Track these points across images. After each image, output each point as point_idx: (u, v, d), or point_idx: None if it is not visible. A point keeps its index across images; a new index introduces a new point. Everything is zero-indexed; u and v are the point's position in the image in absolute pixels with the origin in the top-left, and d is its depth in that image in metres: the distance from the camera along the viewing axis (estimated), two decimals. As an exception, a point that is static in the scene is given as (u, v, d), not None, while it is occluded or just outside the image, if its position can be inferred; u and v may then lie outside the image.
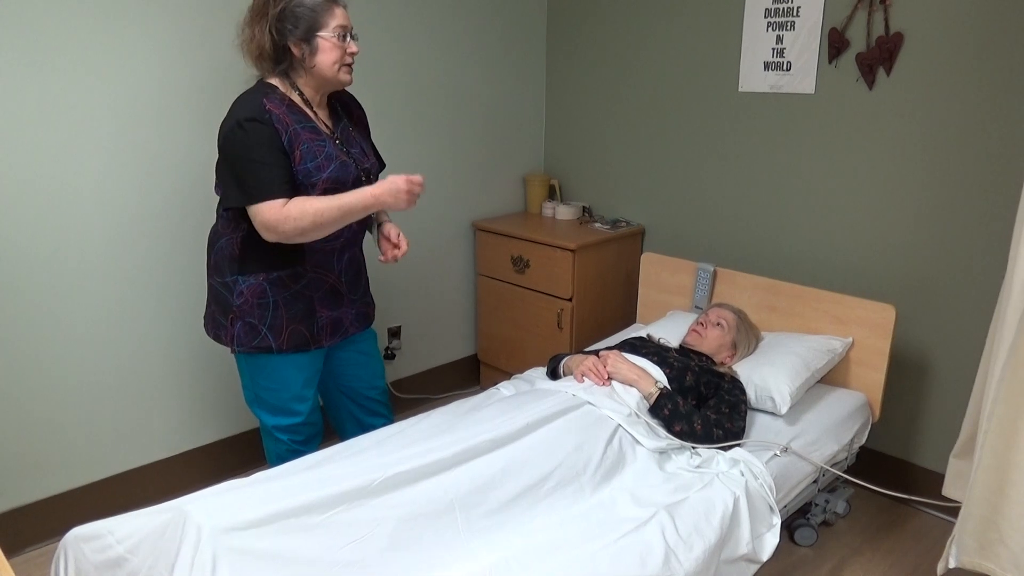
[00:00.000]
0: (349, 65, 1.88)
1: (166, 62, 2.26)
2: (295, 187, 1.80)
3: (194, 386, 2.54)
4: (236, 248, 1.87)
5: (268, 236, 1.80)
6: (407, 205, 1.86)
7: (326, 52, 1.82)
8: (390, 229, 2.02)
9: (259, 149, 1.76)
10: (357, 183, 1.93)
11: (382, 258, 2.00)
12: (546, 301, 2.99)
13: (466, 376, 3.40)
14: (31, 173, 2.09)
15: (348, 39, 1.85)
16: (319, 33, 1.80)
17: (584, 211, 3.27)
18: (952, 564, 1.84)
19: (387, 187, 1.83)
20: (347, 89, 2.01)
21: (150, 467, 2.49)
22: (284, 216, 1.76)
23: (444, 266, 3.20)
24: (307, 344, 1.96)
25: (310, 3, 1.79)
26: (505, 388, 2.25)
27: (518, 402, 1.97)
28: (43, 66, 2.05)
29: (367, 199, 1.82)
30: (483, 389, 2.35)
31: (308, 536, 1.44)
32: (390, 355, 3.07)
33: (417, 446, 1.70)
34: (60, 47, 2.06)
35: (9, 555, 2.22)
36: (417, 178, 1.85)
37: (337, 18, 1.82)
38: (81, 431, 2.33)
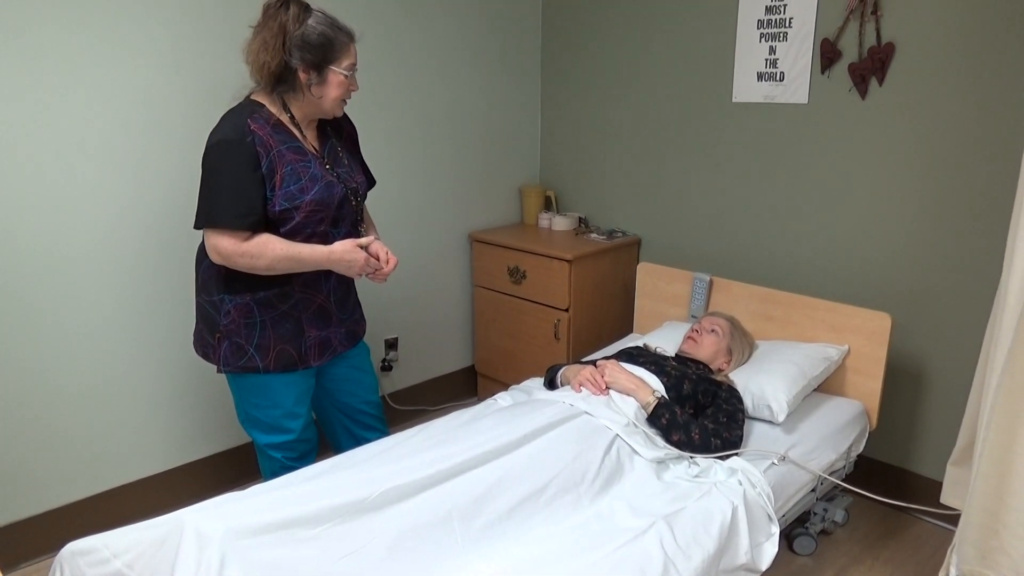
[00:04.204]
0: (346, 100, 1.89)
1: (161, 74, 2.27)
2: (264, 215, 1.78)
3: (189, 400, 2.53)
4: (223, 267, 1.85)
5: (216, 260, 1.80)
6: (355, 276, 1.96)
7: (333, 87, 1.83)
8: (377, 249, 1.96)
9: (232, 173, 1.75)
10: (344, 203, 1.92)
11: (371, 277, 1.98)
12: (543, 312, 2.99)
13: (463, 387, 3.40)
14: (24, 184, 2.09)
15: (354, 76, 1.87)
16: (331, 66, 1.80)
17: (580, 222, 3.28)
18: (953, 573, 1.83)
19: (346, 256, 1.87)
20: None
21: (145, 481, 2.48)
22: (242, 251, 1.77)
23: (441, 277, 3.20)
24: (295, 364, 1.94)
25: (331, 35, 1.78)
26: (503, 399, 2.25)
27: (516, 413, 1.97)
28: (38, 76, 2.05)
29: (321, 258, 1.85)
30: (481, 400, 2.34)
31: (306, 547, 1.43)
32: (387, 367, 3.07)
33: (416, 457, 1.70)
34: (55, 57, 2.07)
35: (5, 570, 2.20)
36: (375, 262, 1.91)
37: (351, 56, 1.83)
38: (76, 445, 2.32)
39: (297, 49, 1.76)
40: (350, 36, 1.84)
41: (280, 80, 1.81)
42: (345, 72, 1.82)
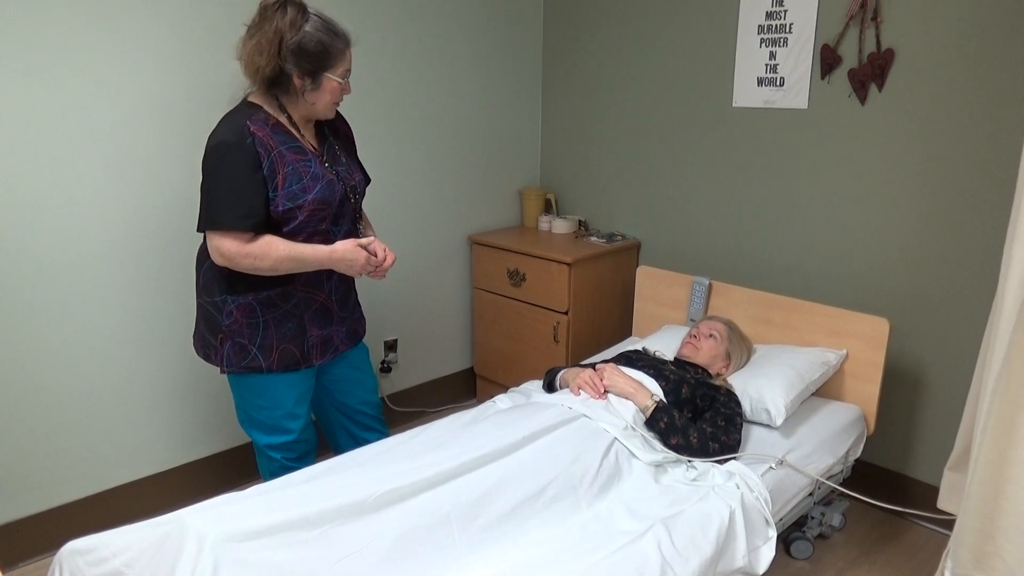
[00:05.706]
0: (338, 103, 1.90)
1: (165, 73, 2.27)
2: (266, 216, 1.79)
3: (189, 400, 2.54)
4: (225, 268, 1.85)
5: (219, 261, 1.81)
6: (356, 275, 1.96)
7: (327, 92, 1.83)
8: (376, 247, 1.96)
9: (233, 175, 1.75)
10: (344, 202, 1.93)
11: (371, 275, 1.99)
12: (542, 314, 3.00)
13: (463, 389, 3.41)
14: (27, 184, 2.09)
15: (347, 81, 1.87)
16: (327, 73, 1.80)
17: (580, 225, 3.29)
18: (948, 577, 1.84)
19: (347, 256, 1.87)
20: None
21: (145, 481, 2.48)
22: (245, 252, 1.77)
23: (441, 279, 3.21)
24: (297, 363, 1.95)
25: (328, 42, 1.77)
26: (502, 401, 2.25)
27: (514, 415, 1.97)
28: (42, 76, 2.06)
29: (323, 258, 1.86)
30: (479, 402, 2.35)
31: (305, 549, 1.44)
32: (386, 368, 3.07)
33: (414, 459, 1.71)
34: (60, 57, 2.08)
35: (4, 569, 2.21)
36: (375, 260, 1.92)
37: (347, 62, 1.83)
38: (76, 445, 2.32)
39: (293, 56, 1.75)
40: (346, 42, 1.83)
41: (274, 83, 1.81)
42: (340, 79, 1.83)
